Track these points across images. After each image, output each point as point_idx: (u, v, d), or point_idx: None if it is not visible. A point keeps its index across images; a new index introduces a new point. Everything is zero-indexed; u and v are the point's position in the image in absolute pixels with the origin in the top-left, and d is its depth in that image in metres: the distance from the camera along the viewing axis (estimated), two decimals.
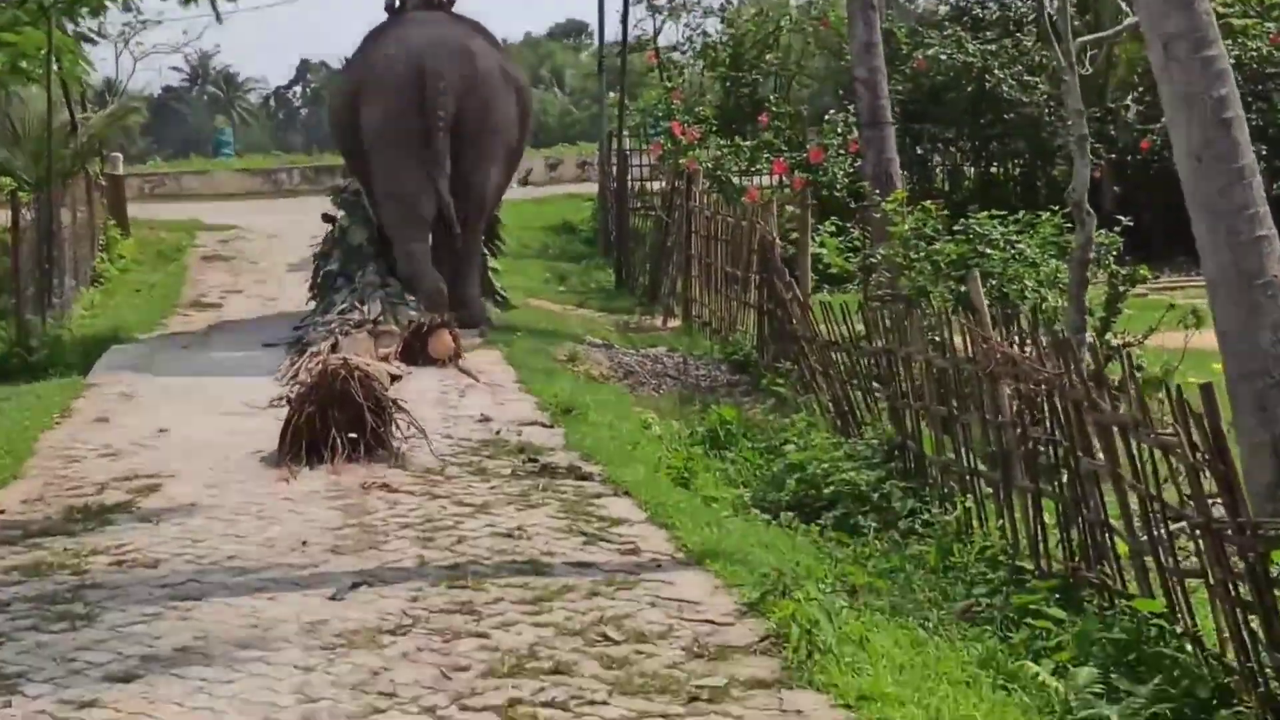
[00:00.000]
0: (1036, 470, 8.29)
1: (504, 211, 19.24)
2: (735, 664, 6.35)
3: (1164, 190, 25.72)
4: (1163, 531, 6.91)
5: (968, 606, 7.69)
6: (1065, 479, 7.90)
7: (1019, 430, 8.50)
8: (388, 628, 6.88)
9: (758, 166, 24.54)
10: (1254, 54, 26.50)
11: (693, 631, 6.76)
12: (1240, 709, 6.02)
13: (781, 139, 25.60)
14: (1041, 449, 8.32)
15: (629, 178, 24.17)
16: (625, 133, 25.08)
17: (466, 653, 6.55)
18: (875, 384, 11.47)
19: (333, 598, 7.34)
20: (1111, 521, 7.51)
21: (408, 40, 16.63)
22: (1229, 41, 17.65)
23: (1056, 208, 14.25)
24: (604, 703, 5.96)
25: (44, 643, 6.77)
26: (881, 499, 9.78)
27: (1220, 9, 22.83)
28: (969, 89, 27.54)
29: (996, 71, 27.19)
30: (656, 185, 24.26)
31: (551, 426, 11.63)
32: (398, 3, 17.69)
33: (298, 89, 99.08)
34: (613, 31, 26.52)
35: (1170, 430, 6.53)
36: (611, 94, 26.20)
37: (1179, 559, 6.92)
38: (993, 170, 29.82)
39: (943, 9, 31.40)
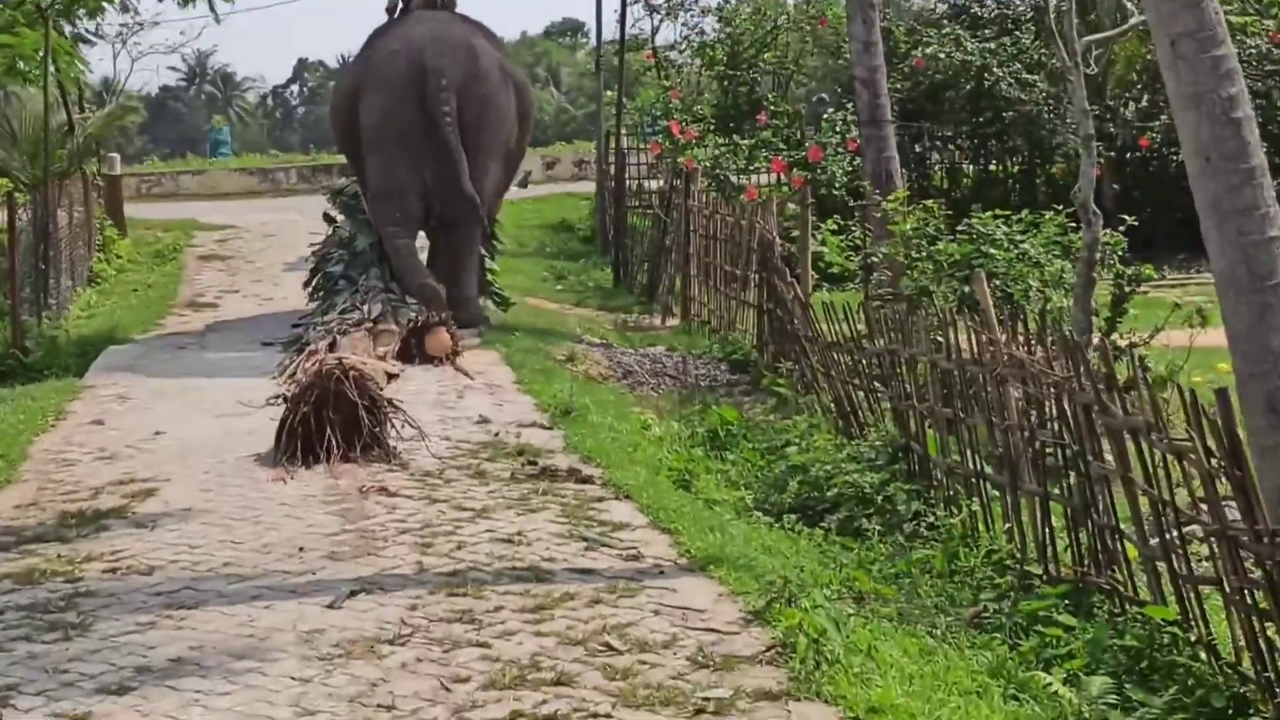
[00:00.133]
0: (1044, 473, 8.18)
1: (501, 211, 19.14)
2: (741, 674, 6.24)
3: (1163, 188, 25.87)
4: (1175, 536, 6.80)
5: (976, 613, 7.57)
6: (1074, 482, 7.79)
7: (1026, 432, 8.39)
8: (386, 637, 6.77)
9: (756, 165, 24.47)
10: (1252, 51, 26.38)
11: (697, 640, 6.65)
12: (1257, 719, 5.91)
13: (780, 137, 25.52)
14: (1049, 451, 8.21)
15: (627, 176, 24.08)
16: (623, 131, 25.00)
17: (466, 663, 6.44)
18: (878, 384, 11.36)
19: (330, 606, 7.23)
20: (1121, 525, 7.40)
21: (410, 37, 16.61)
22: None
23: (1060, 207, 14.13)
24: (607, 715, 5.86)
25: (36, 653, 6.67)
26: (886, 501, 9.66)
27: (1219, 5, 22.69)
28: (967, 87, 27.43)
29: (995, 70, 27.06)
30: (654, 184, 24.17)
31: (551, 428, 11.52)
32: (400, 5, 17.66)
33: (295, 88, 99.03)
34: (610, 30, 26.36)
35: (1184, 433, 6.41)
36: (609, 92, 26.11)
37: (1192, 565, 6.81)
38: (991, 168, 29.72)
39: (940, 7, 31.30)
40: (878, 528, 9.26)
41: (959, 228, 14.26)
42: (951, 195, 25.66)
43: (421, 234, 17.36)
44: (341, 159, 26.83)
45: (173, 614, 7.17)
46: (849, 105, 23.62)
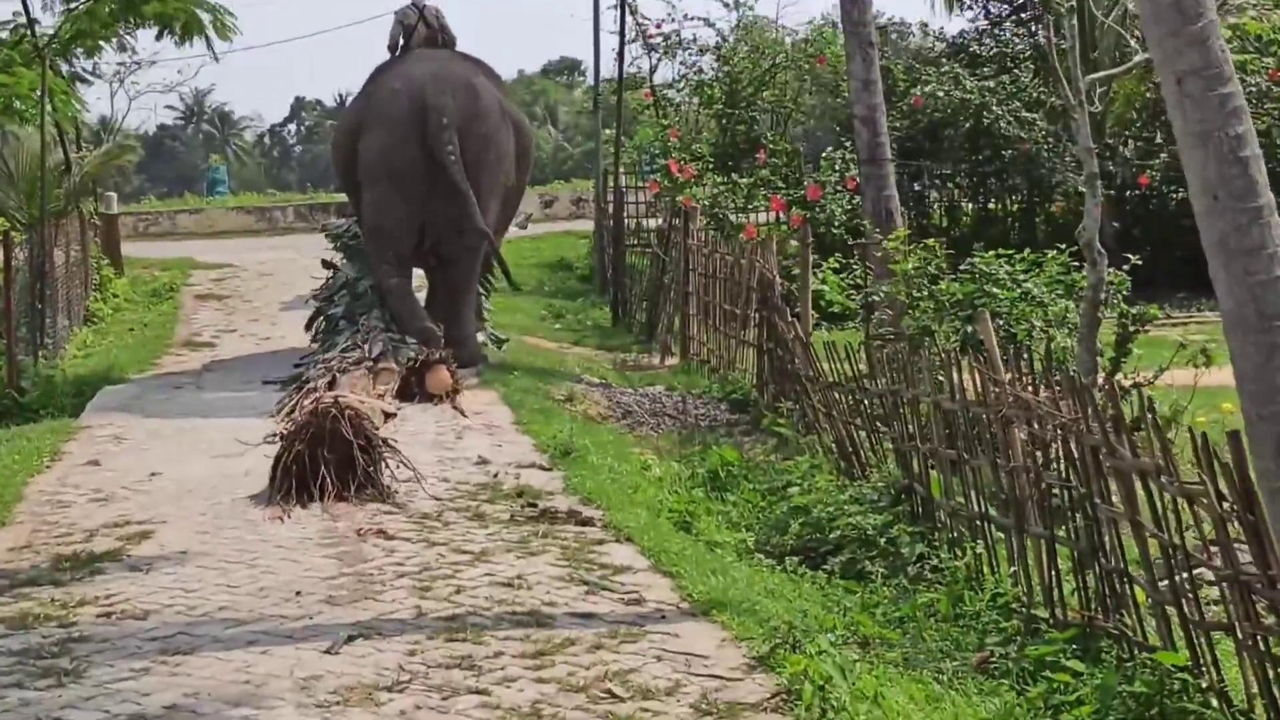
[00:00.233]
0: (1050, 515, 8.08)
1: (500, 249, 19.06)
2: None
3: (1163, 226, 25.86)
4: (1185, 580, 6.69)
5: (983, 658, 7.46)
6: (1081, 524, 7.69)
7: (1031, 474, 8.30)
8: (384, 683, 6.66)
9: (755, 204, 24.44)
10: (1253, 89, 26.40)
11: (701, 687, 6.54)
12: None
13: (779, 176, 25.50)
14: (1055, 493, 8.11)
15: (625, 215, 24.05)
16: (621, 170, 24.99)
17: (466, 710, 6.33)
18: (880, 425, 11.26)
19: (328, 651, 7.12)
20: (1129, 569, 7.30)
21: (411, 75, 16.65)
22: None
23: (1062, 245, 14.05)
24: None
25: (28, 700, 6.55)
26: (889, 544, 9.54)
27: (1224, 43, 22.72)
28: (966, 125, 27.47)
29: (994, 108, 27.10)
30: (653, 222, 24.14)
31: (550, 469, 11.43)
32: (401, 43, 17.68)
33: (292, 127, 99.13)
34: (607, 68, 26.35)
35: (1195, 477, 6.32)
36: (607, 131, 26.11)
37: (1203, 609, 6.71)
38: (991, 207, 29.72)
39: (939, 45, 31.37)
40: (881, 570, 9.16)
41: (961, 267, 14.19)
42: (951, 234, 25.63)
43: (419, 272, 17.33)
44: (339, 198, 26.85)
45: (168, 660, 7.06)
46: (847, 144, 23.61)
